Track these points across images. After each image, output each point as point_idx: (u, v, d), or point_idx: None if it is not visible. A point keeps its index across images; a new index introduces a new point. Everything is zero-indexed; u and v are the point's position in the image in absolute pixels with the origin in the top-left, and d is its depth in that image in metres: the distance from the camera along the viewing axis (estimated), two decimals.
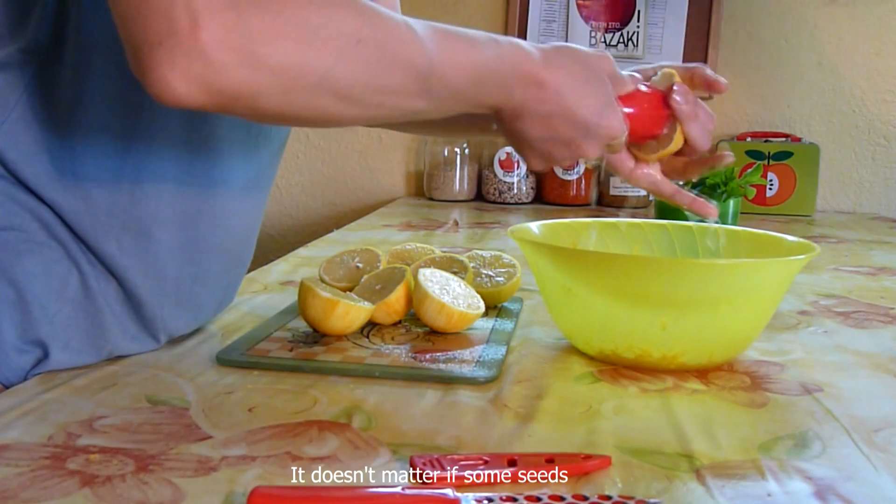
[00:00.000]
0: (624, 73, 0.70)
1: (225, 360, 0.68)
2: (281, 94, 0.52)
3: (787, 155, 1.88)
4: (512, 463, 0.49)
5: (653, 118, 0.71)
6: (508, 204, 1.95)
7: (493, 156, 1.95)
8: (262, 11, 0.49)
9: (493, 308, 0.88)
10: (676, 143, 0.72)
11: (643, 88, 0.71)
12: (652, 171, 0.75)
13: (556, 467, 0.49)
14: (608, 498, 0.46)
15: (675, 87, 0.71)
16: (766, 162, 1.88)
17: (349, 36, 0.53)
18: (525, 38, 2.03)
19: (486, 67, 0.62)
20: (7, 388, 0.62)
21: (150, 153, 0.65)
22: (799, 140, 1.92)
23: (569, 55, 0.66)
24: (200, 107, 0.51)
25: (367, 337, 0.76)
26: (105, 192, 0.64)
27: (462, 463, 0.49)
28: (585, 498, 0.46)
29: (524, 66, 0.63)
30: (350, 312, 0.73)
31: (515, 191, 1.95)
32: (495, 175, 1.95)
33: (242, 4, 0.49)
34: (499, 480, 0.48)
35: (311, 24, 0.51)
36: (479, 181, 2.01)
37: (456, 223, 1.61)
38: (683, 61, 1.99)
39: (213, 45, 0.48)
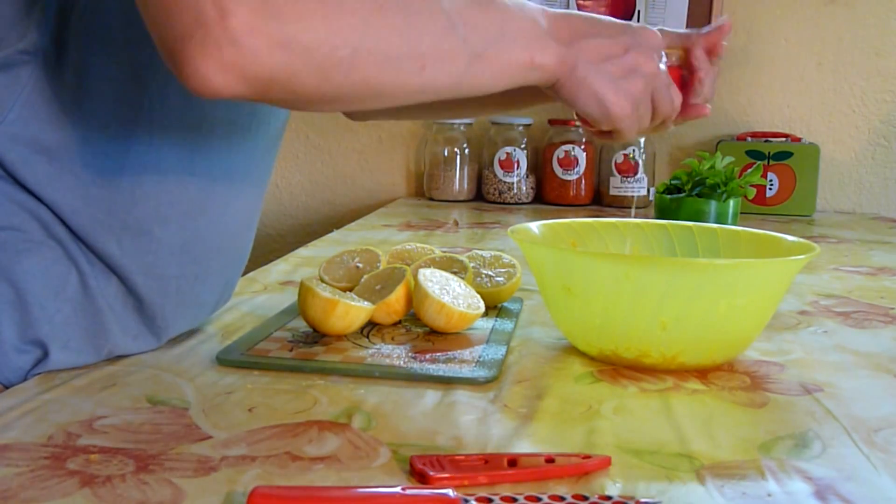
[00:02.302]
0: None
1: (225, 360, 0.68)
2: (317, 72, 0.52)
3: (787, 155, 1.88)
4: (512, 463, 0.49)
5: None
6: (508, 204, 1.95)
7: (493, 156, 1.95)
8: None
9: (493, 308, 0.88)
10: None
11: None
12: None
13: (556, 467, 0.49)
14: (608, 498, 0.46)
15: (696, 54, 0.74)
16: (766, 162, 1.88)
17: (371, 4, 0.53)
18: None
19: (510, 15, 0.62)
20: (7, 388, 0.63)
21: (149, 152, 0.65)
22: (799, 140, 1.92)
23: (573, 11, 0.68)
24: (240, 96, 0.51)
25: (367, 337, 0.76)
26: (105, 192, 0.64)
27: (462, 463, 0.49)
28: (585, 498, 0.46)
29: (539, 13, 0.65)
30: (350, 312, 0.73)
31: (515, 191, 1.95)
32: (495, 175, 1.95)
33: None
34: (499, 480, 0.48)
35: None
36: (479, 181, 2.01)
37: (456, 223, 1.61)
38: None
39: (244, 30, 0.48)
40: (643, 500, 0.46)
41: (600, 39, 0.66)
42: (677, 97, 0.72)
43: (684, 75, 0.75)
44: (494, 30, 0.61)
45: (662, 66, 0.70)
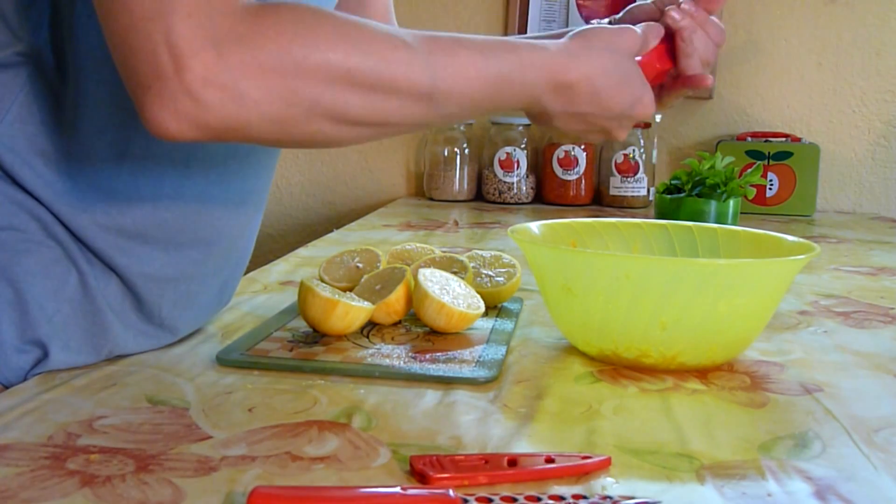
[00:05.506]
0: (640, 29, 0.71)
1: (225, 360, 0.68)
2: (271, 125, 0.54)
3: (787, 155, 1.88)
4: (512, 463, 0.49)
5: (662, 59, 0.73)
6: (508, 204, 1.95)
7: (493, 156, 1.95)
8: (244, 48, 0.51)
9: (493, 308, 0.88)
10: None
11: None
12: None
13: (556, 467, 0.49)
14: (608, 498, 0.46)
15: (683, 27, 0.72)
16: (766, 162, 1.88)
17: (337, 65, 0.54)
18: None
19: (501, 77, 0.61)
20: (7, 388, 0.63)
21: (146, 158, 0.65)
22: (799, 140, 1.92)
23: (595, 44, 0.66)
24: (197, 140, 0.53)
25: (367, 337, 0.76)
26: (101, 195, 0.64)
27: (462, 463, 0.49)
28: (585, 498, 0.46)
29: (549, 71, 0.64)
30: (350, 312, 0.73)
31: (515, 191, 1.95)
32: (495, 175, 1.95)
33: (223, 42, 0.50)
34: (499, 480, 0.48)
35: (294, 57, 0.52)
36: (479, 181, 2.01)
37: (456, 223, 1.61)
38: None
39: (198, 84, 0.50)
40: (643, 500, 0.46)
41: (589, 117, 0.67)
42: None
43: (670, 48, 0.73)
44: (479, 96, 0.61)
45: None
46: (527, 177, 1.96)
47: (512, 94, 0.63)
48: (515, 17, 2.03)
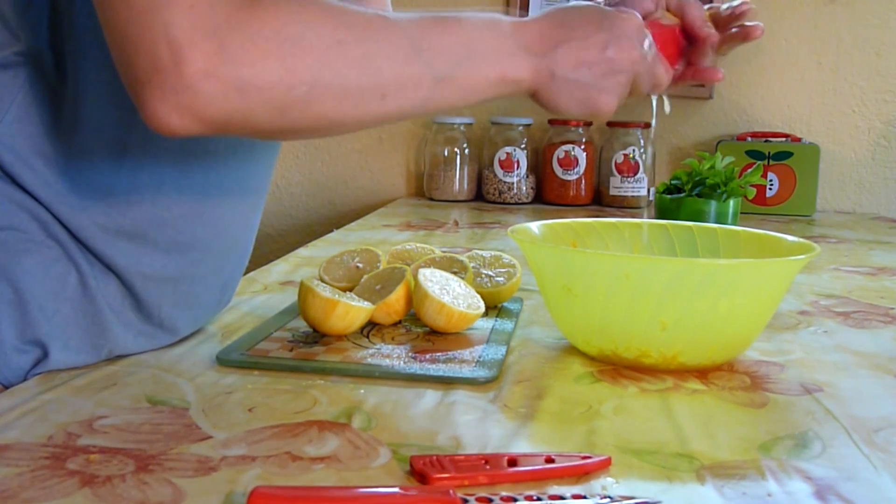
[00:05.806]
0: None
1: (225, 360, 0.68)
2: (274, 111, 0.53)
3: (787, 155, 1.88)
4: (512, 463, 0.49)
5: (668, 55, 0.73)
6: (508, 204, 1.95)
7: (493, 156, 1.95)
8: (242, 35, 0.51)
9: (493, 308, 0.88)
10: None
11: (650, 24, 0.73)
12: None
13: (556, 467, 0.49)
14: (608, 498, 0.46)
15: (707, 22, 0.75)
16: (766, 162, 1.88)
17: (328, 39, 0.54)
18: None
19: (475, 28, 0.61)
20: (7, 388, 0.63)
21: (145, 158, 0.65)
22: (799, 140, 1.92)
23: (545, 12, 0.66)
24: (198, 134, 0.52)
25: (367, 337, 0.76)
26: (101, 195, 0.64)
27: (462, 463, 0.49)
28: (585, 498, 0.46)
29: (510, 24, 0.63)
30: (350, 312, 0.73)
31: (515, 191, 1.95)
32: (495, 175, 1.95)
33: (222, 31, 0.50)
34: (499, 480, 0.48)
35: (290, 38, 0.52)
36: (479, 181, 2.01)
37: (456, 223, 1.61)
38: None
39: (198, 77, 0.50)
40: (643, 500, 0.46)
41: (575, 44, 0.64)
42: (664, 73, 0.71)
43: (682, 31, 0.75)
44: (461, 51, 0.60)
45: (646, 46, 0.68)
46: (527, 177, 1.96)
47: (495, 42, 0.62)
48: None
